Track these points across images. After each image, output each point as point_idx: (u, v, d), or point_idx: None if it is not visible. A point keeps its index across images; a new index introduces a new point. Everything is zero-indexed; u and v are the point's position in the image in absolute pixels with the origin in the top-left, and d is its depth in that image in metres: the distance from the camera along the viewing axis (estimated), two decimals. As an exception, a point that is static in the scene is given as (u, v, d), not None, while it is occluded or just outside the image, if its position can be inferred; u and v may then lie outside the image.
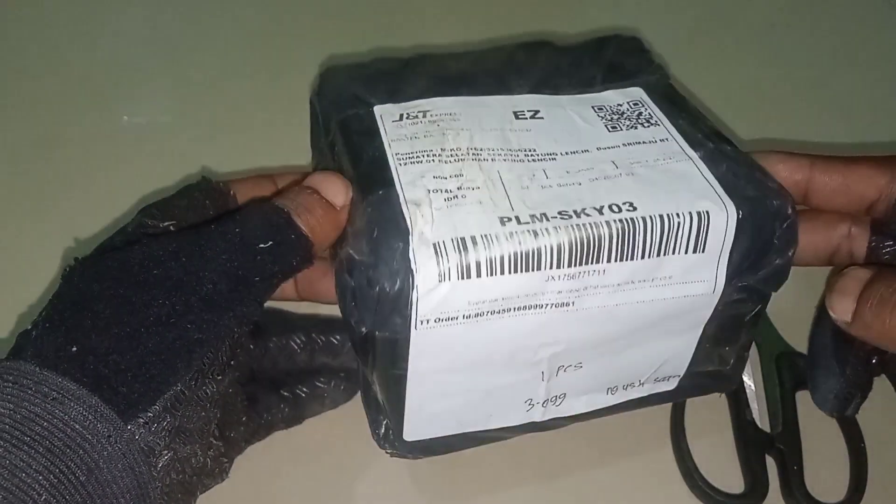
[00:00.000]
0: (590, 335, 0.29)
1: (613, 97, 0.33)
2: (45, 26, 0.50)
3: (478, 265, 0.26)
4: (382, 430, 0.31)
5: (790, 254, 0.29)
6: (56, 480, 0.23)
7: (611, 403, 0.33)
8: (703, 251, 0.28)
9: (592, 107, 0.32)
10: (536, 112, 0.32)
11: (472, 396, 0.30)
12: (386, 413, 0.30)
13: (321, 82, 0.33)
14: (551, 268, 0.27)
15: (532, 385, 0.30)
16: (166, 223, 0.29)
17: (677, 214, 0.27)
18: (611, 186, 0.28)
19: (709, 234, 0.28)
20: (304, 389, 0.33)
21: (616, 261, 0.27)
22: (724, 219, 0.28)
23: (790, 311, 0.37)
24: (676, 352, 0.31)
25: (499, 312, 0.27)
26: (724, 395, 0.36)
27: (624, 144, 0.30)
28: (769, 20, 0.54)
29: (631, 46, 0.36)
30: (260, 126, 0.45)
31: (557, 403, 0.31)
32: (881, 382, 0.34)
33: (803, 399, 0.35)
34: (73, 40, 0.49)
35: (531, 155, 0.30)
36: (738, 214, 0.28)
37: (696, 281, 0.29)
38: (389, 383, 0.29)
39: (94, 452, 0.23)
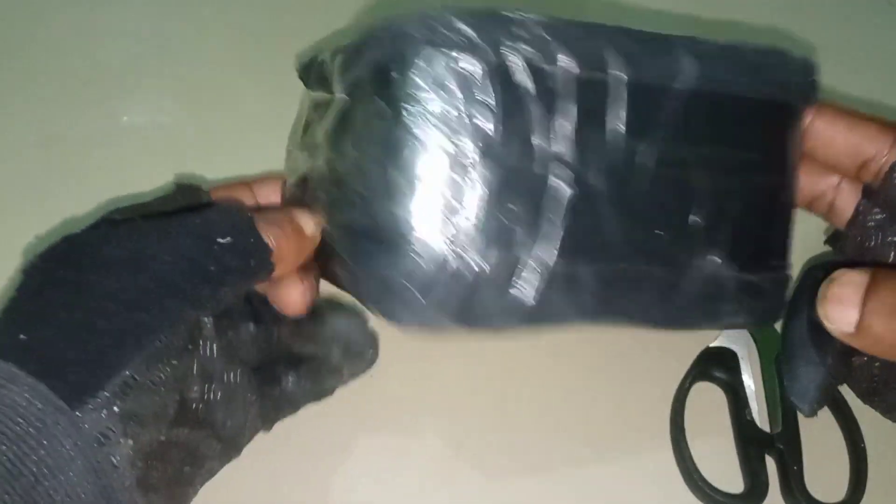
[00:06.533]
0: None
1: None
2: (45, 26, 0.50)
3: None
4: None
5: None
6: (5, 468, 0.22)
7: None
8: None
9: None
10: None
11: None
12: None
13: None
14: None
15: None
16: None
17: None
18: None
19: None
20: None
21: None
22: None
23: (790, 311, 0.37)
24: None
25: None
26: (724, 394, 0.36)
27: None
28: (767, 20, 0.54)
29: None
30: (260, 126, 0.45)
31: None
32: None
33: (803, 399, 0.35)
34: (73, 40, 0.49)
35: None
36: None
37: None
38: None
39: (43, 438, 0.23)
